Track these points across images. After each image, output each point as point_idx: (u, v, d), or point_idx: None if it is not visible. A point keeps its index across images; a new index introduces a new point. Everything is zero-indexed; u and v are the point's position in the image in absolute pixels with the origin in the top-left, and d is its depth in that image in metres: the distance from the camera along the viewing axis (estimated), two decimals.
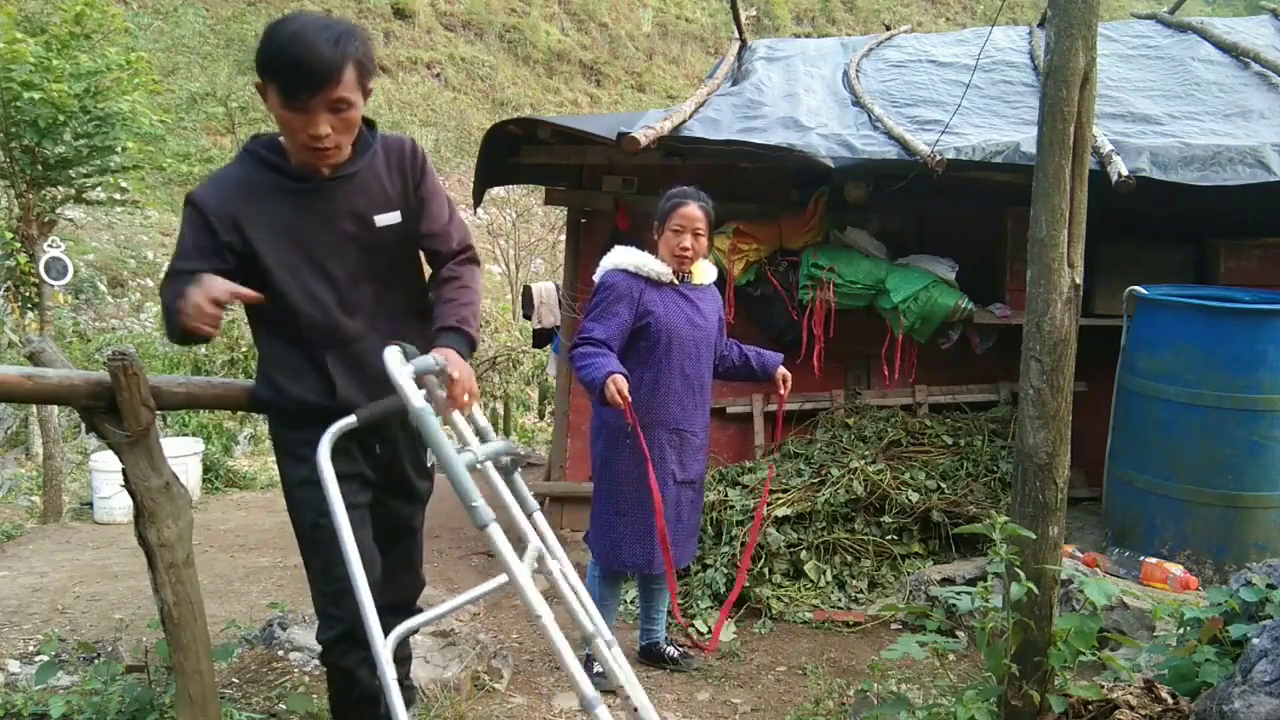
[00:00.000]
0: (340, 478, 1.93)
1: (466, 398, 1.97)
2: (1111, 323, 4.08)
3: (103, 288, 11.14)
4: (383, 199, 2.14)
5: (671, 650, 3.48)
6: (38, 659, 3.15)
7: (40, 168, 6.14)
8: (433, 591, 4.05)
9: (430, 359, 1.92)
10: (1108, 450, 3.97)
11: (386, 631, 2.29)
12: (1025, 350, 2.23)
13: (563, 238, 5.68)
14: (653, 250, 3.25)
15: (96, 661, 3.02)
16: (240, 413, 7.06)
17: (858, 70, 5.61)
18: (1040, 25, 5.91)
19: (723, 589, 3.96)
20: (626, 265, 3.19)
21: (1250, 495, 3.58)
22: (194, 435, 7.21)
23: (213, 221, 2.01)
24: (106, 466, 5.87)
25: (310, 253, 2.07)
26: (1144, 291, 3.81)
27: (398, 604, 2.34)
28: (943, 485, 4.30)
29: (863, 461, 4.34)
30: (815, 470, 4.40)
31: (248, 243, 2.03)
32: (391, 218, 2.14)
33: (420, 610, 2.47)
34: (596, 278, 3.27)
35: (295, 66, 1.87)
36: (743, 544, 3.99)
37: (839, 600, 3.98)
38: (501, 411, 9.24)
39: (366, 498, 2.19)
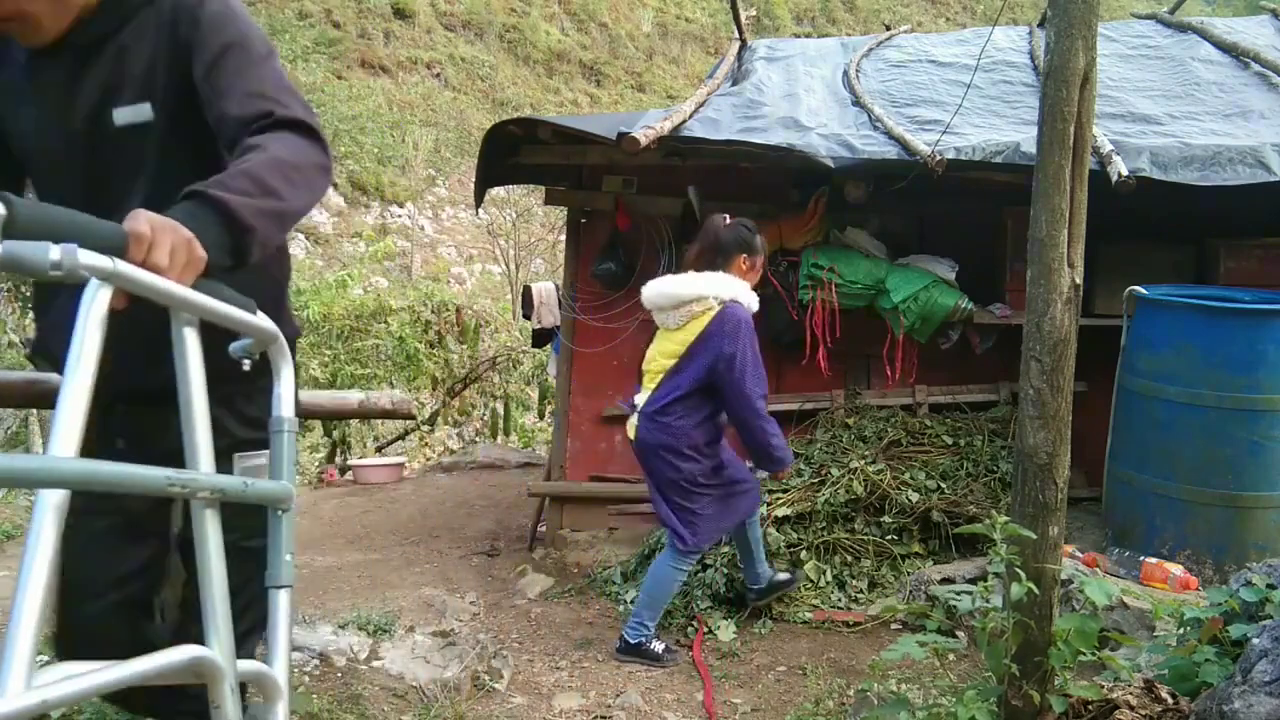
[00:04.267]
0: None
1: (167, 260, 1.17)
2: (1111, 323, 4.08)
3: None
4: (130, 84, 1.55)
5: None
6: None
7: None
8: (433, 591, 4.07)
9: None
10: (1108, 450, 3.97)
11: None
12: (1025, 350, 2.23)
13: (563, 238, 5.67)
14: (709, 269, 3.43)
15: None
16: None
17: (858, 70, 5.60)
18: (1040, 25, 5.91)
19: (722, 589, 3.97)
20: (748, 307, 3.37)
21: (1250, 495, 3.58)
22: None
23: None
24: None
25: (45, 152, 1.61)
26: (1144, 291, 3.81)
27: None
28: (943, 485, 4.30)
29: (863, 461, 4.34)
30: (815, 470, 4.40)
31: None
32: (136, 113, 1.55)
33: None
34: (716, 297, 3.32)
35: None
36: None
37: (839, 600, 3.98)
38: (501, 411, 9.24)
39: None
